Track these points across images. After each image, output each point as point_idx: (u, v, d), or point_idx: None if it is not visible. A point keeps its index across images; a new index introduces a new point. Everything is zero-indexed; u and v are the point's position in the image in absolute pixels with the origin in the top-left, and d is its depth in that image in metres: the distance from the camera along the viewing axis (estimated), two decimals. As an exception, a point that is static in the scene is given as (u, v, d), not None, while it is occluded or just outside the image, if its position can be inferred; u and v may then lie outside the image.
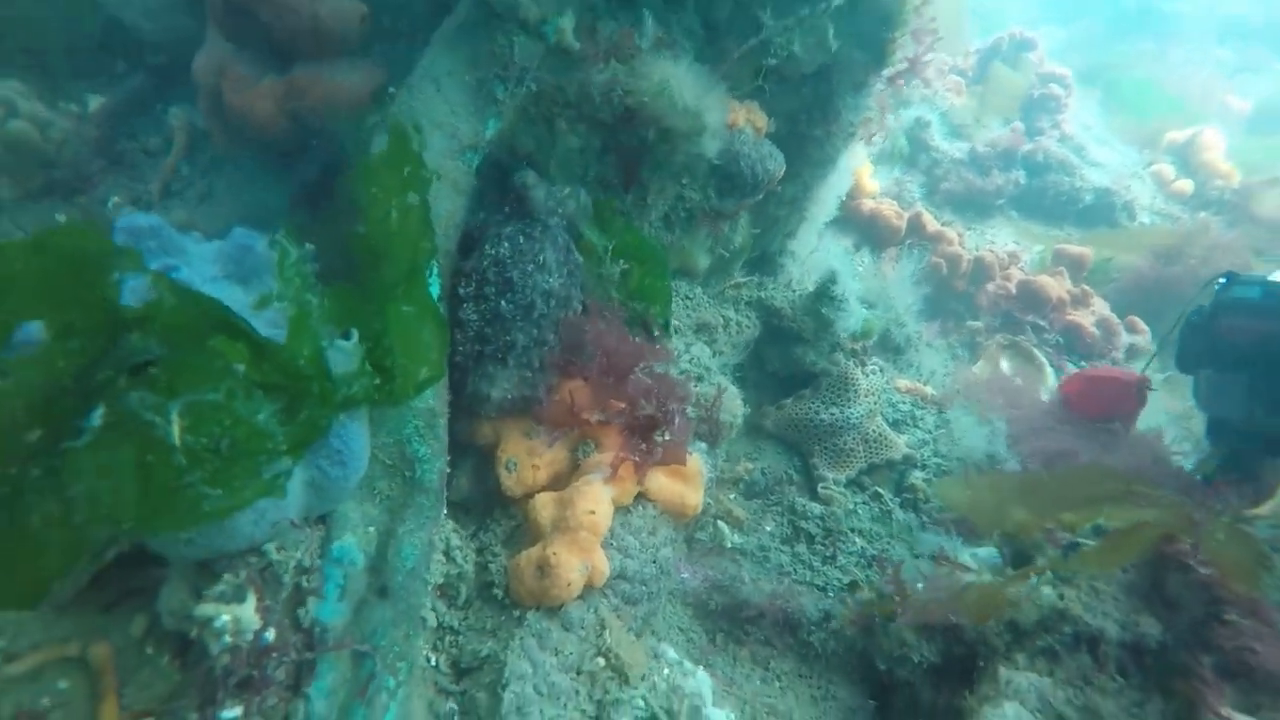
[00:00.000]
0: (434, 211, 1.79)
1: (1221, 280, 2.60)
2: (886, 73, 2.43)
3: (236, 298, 1.50)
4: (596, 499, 1.58)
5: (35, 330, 1.20)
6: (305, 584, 1.46)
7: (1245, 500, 2.25)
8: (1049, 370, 3.56)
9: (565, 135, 2.12)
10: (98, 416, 1.18)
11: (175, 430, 1.21)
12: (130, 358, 1.26)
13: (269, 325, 1.39)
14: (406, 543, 1.54)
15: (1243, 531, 1.69)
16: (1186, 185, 5.22)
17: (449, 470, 1.74)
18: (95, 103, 2.93)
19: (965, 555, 2.00)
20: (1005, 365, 3.64)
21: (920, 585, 1.86)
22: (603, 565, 1.57)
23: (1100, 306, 4.05)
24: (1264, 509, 2.21)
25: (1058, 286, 3.94)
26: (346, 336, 1.46)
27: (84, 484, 1.16)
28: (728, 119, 2.20)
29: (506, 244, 1.70)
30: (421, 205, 1.68)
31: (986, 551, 2.01)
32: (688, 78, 1.91)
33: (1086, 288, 4.09)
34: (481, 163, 1.91)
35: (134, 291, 1.30)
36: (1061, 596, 1.66)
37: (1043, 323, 3.87)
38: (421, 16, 2.18)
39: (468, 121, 1.87)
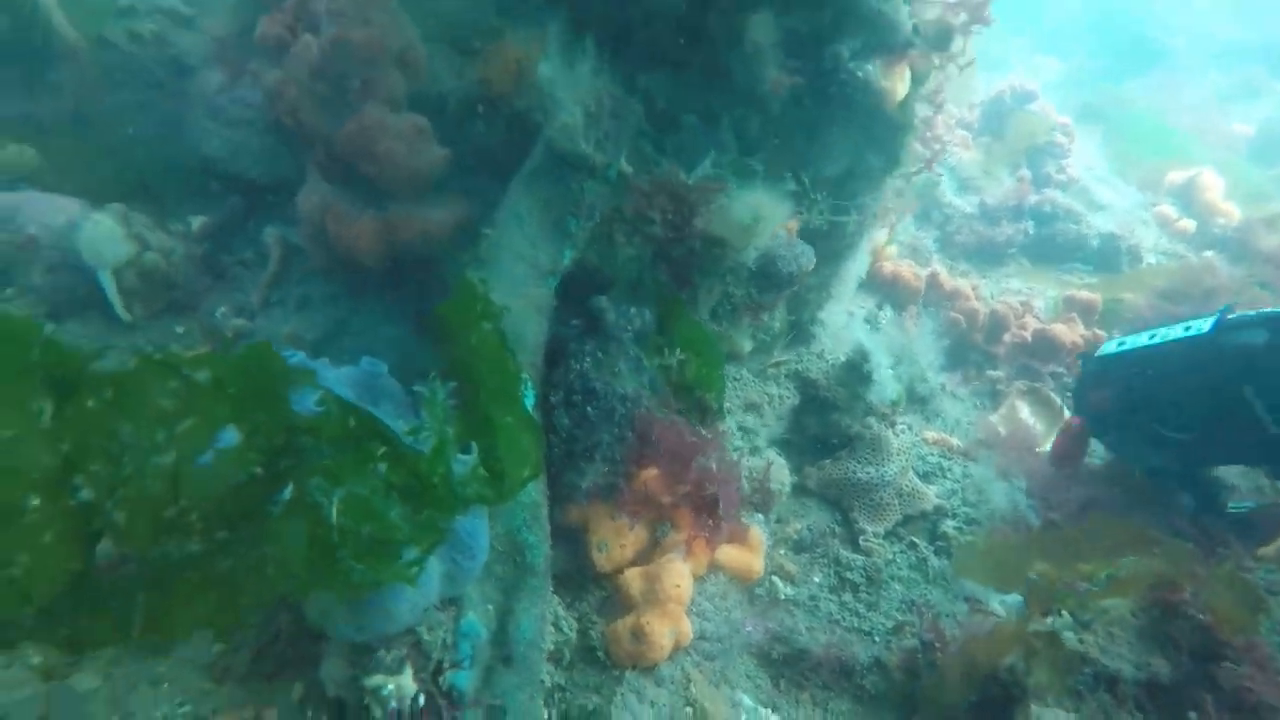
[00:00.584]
0: (523, 332, 2.12)
1: (1079, 359, 3.01)
2: (899, 172, 2.76)
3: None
4: (679, 574, 1.89)
5: (231, 435, 1.51)
6: (445, 657, 1.77)
7: (1254, 538, 2.50)
8: (1067, 414, 3.81)
9: (623, 246, 2.45)
10: (288, 493, 1.50)
11: (334, 512, 1.52)
12: (304, 454, 1.58)
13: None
14: (524, 618, 1.84)
15: (1240, 580, 1.95)
16: (1189, 225, 5.48)
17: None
18: (196, 223, 3.32)
19: (995, 602, 2.27)
20: (1025, 412, 3.90)
21: (956, 631, 2.13)
22: (688, 630, 1.87)
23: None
24: (1270, 549, 2.45)
25: (1071, 333, 4.21)
26: (466, 450, 1.78)
27: (273, 546, 1.46)
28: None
29: (588, 359, 2.04)
30: (496, 331, 1.96)
31: (1013, 599, 2.28)
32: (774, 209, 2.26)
33: (1099, 331, 4.35)
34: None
35: (302, 403, 1.62)
36: (1081, 641, 1.93)
37: (1060, 369, 4.14)
38: (492, 152, 2.54)
39: (547, 253, 2.21)
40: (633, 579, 1.95)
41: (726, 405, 2.59)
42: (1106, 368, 2.90)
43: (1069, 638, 1.95)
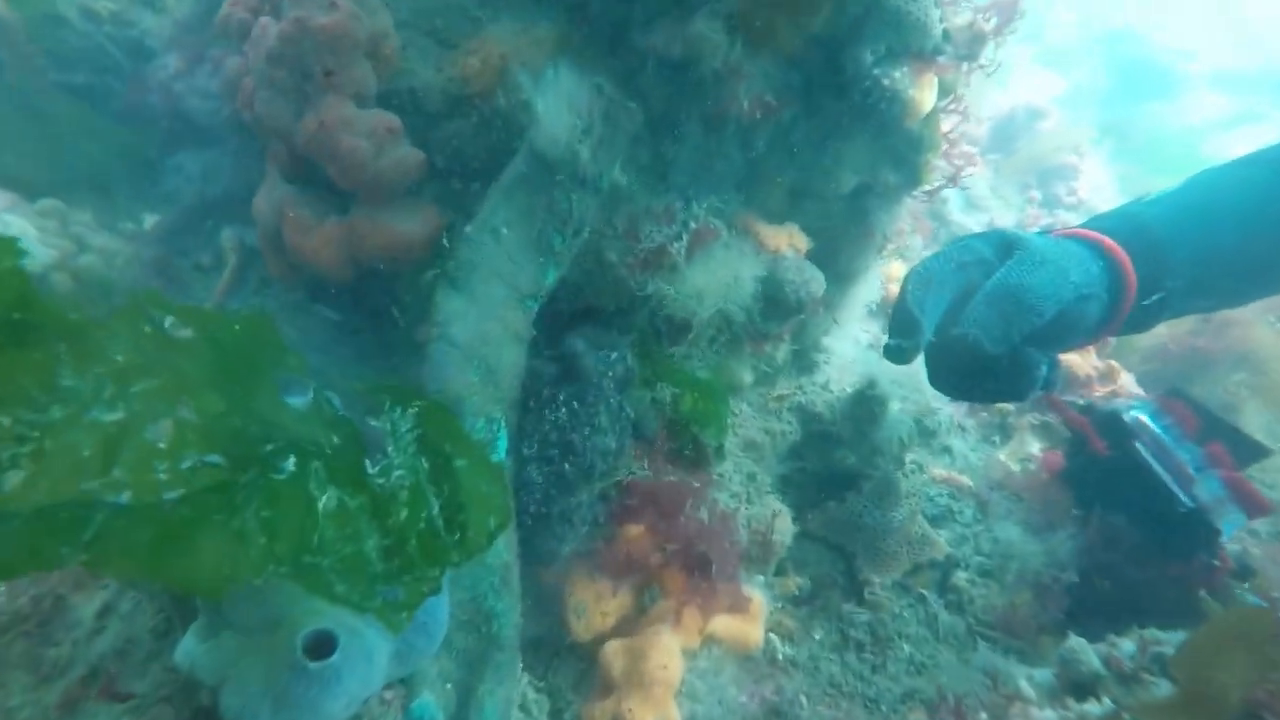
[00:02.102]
0: (497, 363, 1.86)
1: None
2: (919, 191, 2.52)
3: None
4: (667, 652, 1.63)
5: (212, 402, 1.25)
6: (390, 751, 1.50)
7: None
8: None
9: (615, 267, 2.19)
10: (291, 464, 1.25)
11: (320, 507, 1.26)
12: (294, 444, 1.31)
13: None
14: (487, 702, 1.58)
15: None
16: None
17: (517, 613, 1.79)
18: (149, 221, 3.05)
19: (1021, 679, 2.02)
20: (1035, 446, 3.67)
21: (983, 716, 1.88)
22: (675, 717, 1.62)
23: (1127, 381, 4.09)
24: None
25: (1084, 364, 3.98)
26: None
27: (266, 513, 1.20)
28: (769, 246, 2.29)
29: (564, 410, 1.79)
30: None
31: (1042, 675, 2.04)
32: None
33: (1113, 363, 4.13)
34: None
35: (287, 395, 1.38)
36: (1130, 739, 1.68)
37: (1076, 399, 3.91)
38: (472, 156, 2.27)
39: (527, 271, 1.95)
40: (614, 654, 1.69)
41: (725, 445, 2.34)
42: None
43: (1113, 732, 1.71)
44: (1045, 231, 2.20)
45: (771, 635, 2.31)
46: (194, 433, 1.22)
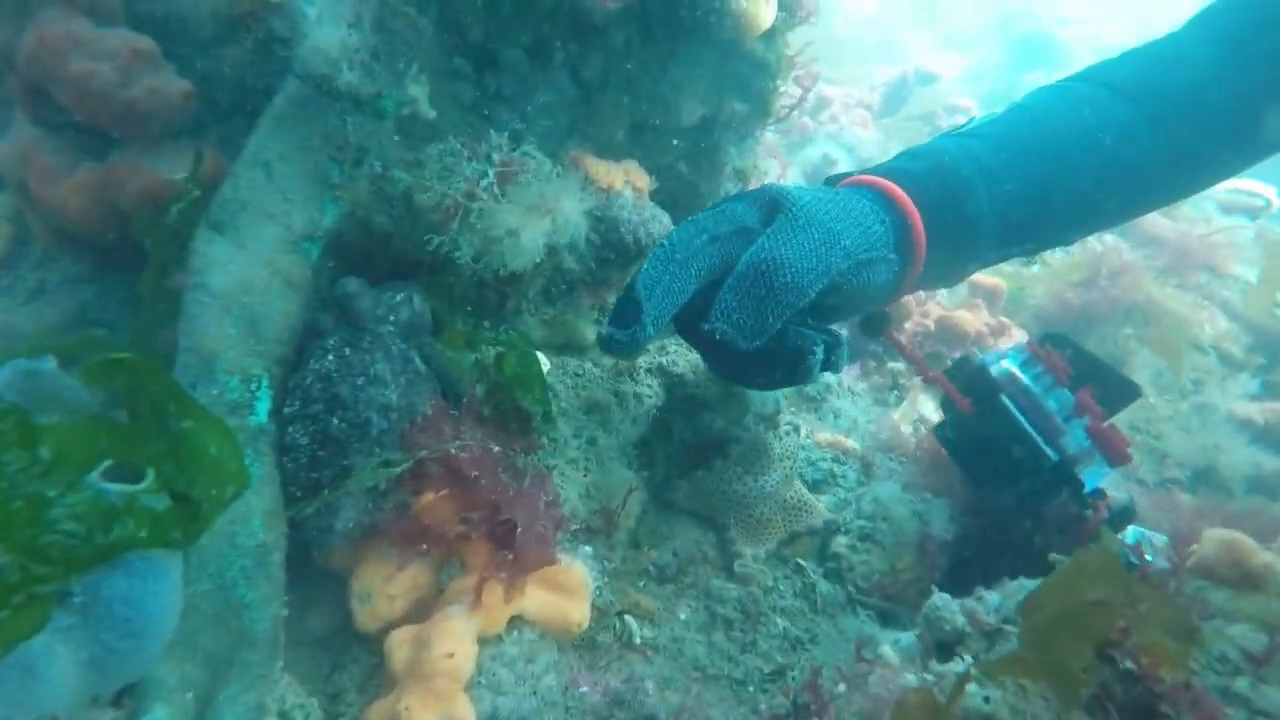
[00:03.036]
0: (263, 314, 1.59)
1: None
2: (771, 122, 2.33)
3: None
4: (456, 638, 1.37)
5: None
6: (95, 785, 1.22)
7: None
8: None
9: (426, 213, 1.93)
10: None
11: None
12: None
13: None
14: (227, 711, 1.30)
15: (1173, 602, 1.56)
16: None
17: (300, 606, 1.52)
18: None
19: (886, 645, 1.84)
20: (929, 407, 3.54)
21: (841, 688, 1.68)
22: (465, 714, 1.36)
23: (1019, 336, 4.01)
24: (1191, 560, 2.09)
25: (975, 320, 3.88)
26: (135, 476, 1.23)
27: None
28: (602, 183, 2.06)
29: (331, 356, 1.51)
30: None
31: (907, 639, 1.86)
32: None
33: (1004, 318, 4.05)
34: (322, 253, 1.72)
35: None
36: (988, 700, 1.49)
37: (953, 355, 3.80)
38: (253, 88, 1.99)
39: (302, 209, 1.67)
40: (399, 644, 1.43)
41: (564, 406, 2.10)
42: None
43: (973, 693, 1.52)
44: (833, 181, 1.90)
45: (628, 618, 2.09)
46: None
